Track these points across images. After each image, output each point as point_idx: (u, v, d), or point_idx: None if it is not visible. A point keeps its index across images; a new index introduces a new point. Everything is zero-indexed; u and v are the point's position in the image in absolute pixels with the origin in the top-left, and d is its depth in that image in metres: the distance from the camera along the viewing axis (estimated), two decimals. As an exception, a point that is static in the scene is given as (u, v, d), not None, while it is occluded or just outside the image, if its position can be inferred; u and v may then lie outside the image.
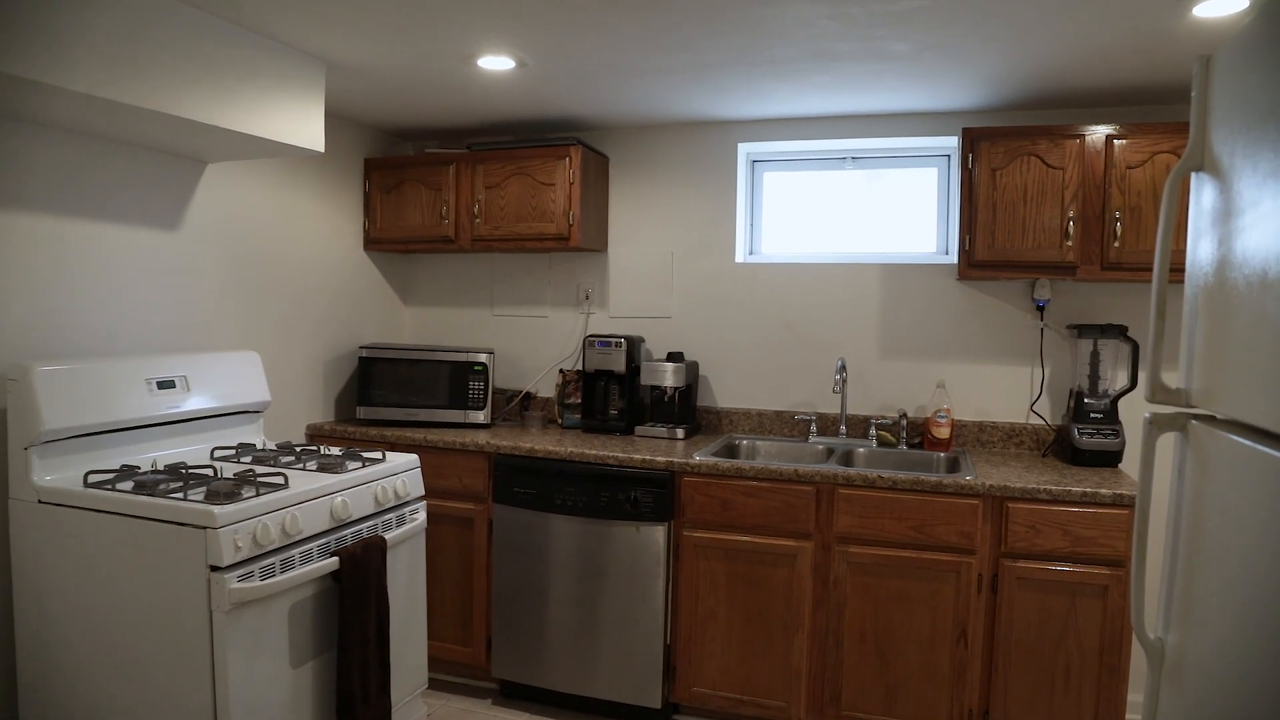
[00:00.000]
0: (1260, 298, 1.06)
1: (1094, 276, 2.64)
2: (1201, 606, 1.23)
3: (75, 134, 2.26)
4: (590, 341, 3.24)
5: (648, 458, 2.74)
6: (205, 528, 1.82)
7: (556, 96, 2.95)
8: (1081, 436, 2.68)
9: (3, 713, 2.10)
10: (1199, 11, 1.98)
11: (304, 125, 2.50)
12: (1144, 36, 2.17)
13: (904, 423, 3.02)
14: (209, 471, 2.20)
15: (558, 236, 3.17)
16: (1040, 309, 2.95)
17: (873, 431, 3.07)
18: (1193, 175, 1.36)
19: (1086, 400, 2.74)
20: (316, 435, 3.21)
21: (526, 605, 2.89)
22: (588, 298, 3.54)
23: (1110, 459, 2.67)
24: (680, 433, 3.14)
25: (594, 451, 2.82)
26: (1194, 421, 1.32)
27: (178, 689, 1.87)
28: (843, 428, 3.12)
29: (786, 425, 3.27)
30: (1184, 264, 1.42)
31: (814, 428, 3.16)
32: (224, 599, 1.82)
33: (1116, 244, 2.60)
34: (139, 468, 2.16)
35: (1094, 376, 2.77)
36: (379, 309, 3.65)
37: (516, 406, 3.60)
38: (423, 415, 3.25)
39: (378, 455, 2.51)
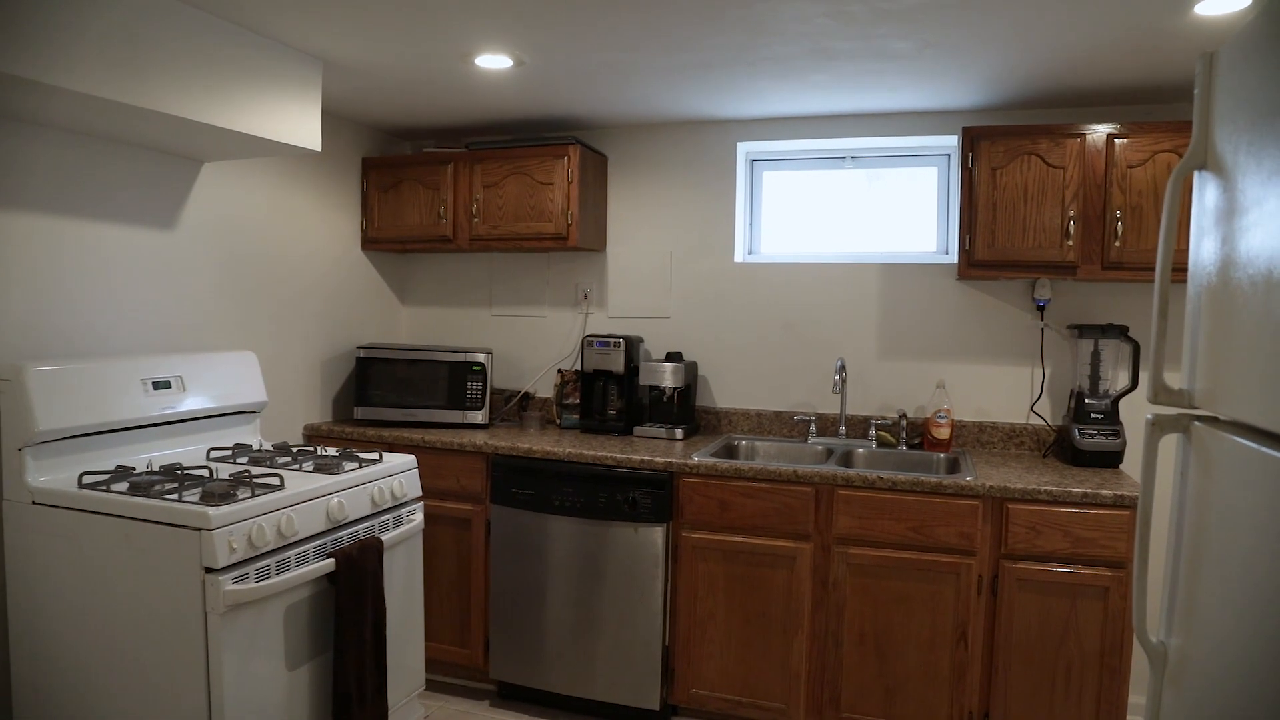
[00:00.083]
0: (1265, 297, 1.04)
1: (1095, 276, 2.63)
2: (1204, 610, 1.22)
3: (72, 133, 2.25)
4: (589, 341, 3.23)
5: (646, 458, 2.72)
6: (200, 529, 1.81)
7: (555, 95, 2.94)
8: (1082, 437, 2.67)
9: (-3, 715, 2.09)
10: (1200, 9, 1.97)
11: (301, 124, 2.49)
12: (1145, 35, 2.16)
13: (904, 423, 3.01)
14: (204, 472, 2.19)
15: (556, 236, 3.16)
16: (1041, 309, 2.94)
17: (872, 432, 3.06)
18: (1195, 174, 1.35)
19: (1087, 400, 2.73)
20: (314, 436, 3.20)
21: (524, 606, 2.87)
22: (586, 298, 3.53)
23: (1111, 460, 2.66)
24: (679, 433, 3.13)
25: (592, 452, 2.80)
26: (1197, 423, 1.31)
27: (173, 691, 1.86)
28: (842, 428, 3.11)
29: (786, 426, 3.26)
30: (1186, 263, 1.41)
31: (813, 428, 3.15)
32: (219, 601, 1.81)
33: (1117, 243, 2.58)
34: (134, 469, 2.15)
35: (1095, 377, 2.76)
36: (377, 309, 3.64)
37: (515, 407, 3.59)
38: (421, 416, 3.23)
39: (374, 456, 2.49)
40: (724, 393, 3.36)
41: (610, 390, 3.24)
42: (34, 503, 1.99)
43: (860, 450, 2.98)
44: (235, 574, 1.85)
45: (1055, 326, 2.96)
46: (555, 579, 2.83)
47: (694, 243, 3.38)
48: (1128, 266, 2.59)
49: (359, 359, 3.25)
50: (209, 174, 2.73)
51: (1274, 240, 1.03)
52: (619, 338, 3.19)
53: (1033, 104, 2.88)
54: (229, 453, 2.47)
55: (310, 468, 2.34)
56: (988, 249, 2.71)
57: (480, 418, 3.23)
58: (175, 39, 2.07)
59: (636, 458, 2.73)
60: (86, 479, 2.05)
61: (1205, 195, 1.31)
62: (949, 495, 2.44)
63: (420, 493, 2.57)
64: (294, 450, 2.54)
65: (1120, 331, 2.71)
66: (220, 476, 2.16)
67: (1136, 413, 2.84)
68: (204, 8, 2.12)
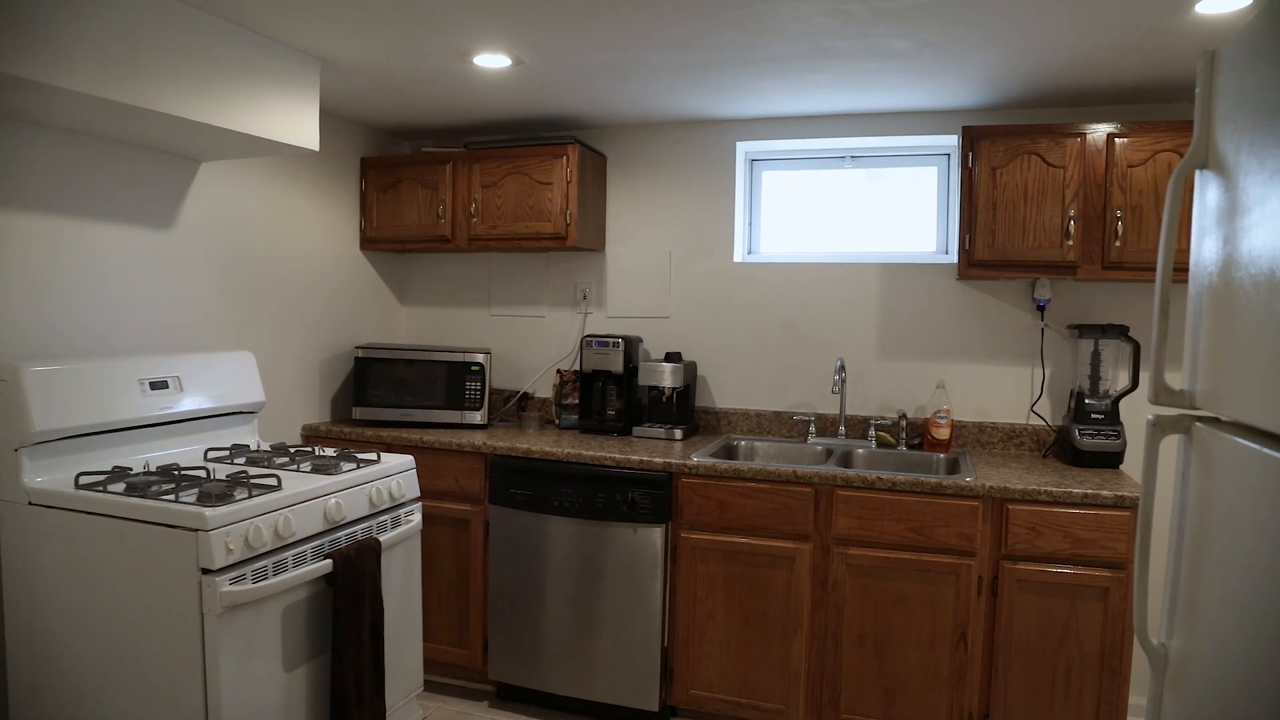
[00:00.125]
0: (1268, 297, 1.04)
1: (1095, 276, 2.63)
2: (1206, 612, 1.21)
3: (70, 133, 2.24)
4: (588, 341, 3.22)
5: (645, 459, 2.72)
6: (196, 530, 1.80)
7: (553, 95, 2.93)
8: (1082, 437, 2.67)
9: (-7, 717, 2.09)
10: (1201, 8, 1.96)
11: (299, 124, 2.48)
12: (1146, 33, 2.15)
13: (903, 423, 3.00)
14: (201, 473, 2.18)
15: (555, 236, 3.15)
16: (1041, 309, 2.94)
17: (872, 432, 3.05)
18: (1196, 173, 1.34)
19: (1087, 401, 2.72)
20: (312, 436, 3.19)
21: (523, 607, 2.87)
22: (585, 297, 3.52)
23: (1111, 460, 2.65)
24: (678, 433, 3.12)
25: (591, 452, 2.80)
26: (1198, 424, 1.30)
27: (170, 692, 1.85)
28: (842, 428, 3.10)
29: (785, 426, 3.25)
30: (1187, 263, 1.40)
31: (813, 428, 3.14)
32: (215, 602, 1.80)
33: (1118, 243, 2.58)
34: (131, 469, 2.14)
35: (1095, 377, 2.75)
36: (375, 309, 3.63)
37: (513, 407, 3.58)
38: (419, 416, 3.22)
39: (372, 457, 2.49)
40: (723, 393, 3.35)
41: (609, 390, 3.23)
42: (30, 503, 1.99)
43: (860, 451, 2.97)
44: (232, 575, 1.84)
45: (1055, 326, 2.95)
46: (554, 580, 2.82)
47: (693, 242, 3.37)
48: (1128, 266, 2.58)
49: (357, 359, 3.24)
50: (207, 174, 2.72)
51: (1276, 240, 1.03)
52: (618, 338, 3.18)
53: (1033, 103, 2.88)
54: (226, 453, 2.46)
55: (308, 468, 2.33)
56: (988, 249, 2.70)
57: (479, 418, 3.22)
58: (173, 39, 2.07)
59: (635, 458, 2.73)
60: (83, 479, 2.04)
61: (1206, 195, 1.30)
62: (949, 496, 2.44)
63: (418, 493, 2.56)
64: (292, 451, 2.53)
65: (1120, 331, 2.70)
66: (217, 477, 2.15)
67: (1137, 413, 2.83)
68: (202, 7, 2.11)
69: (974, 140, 2.70)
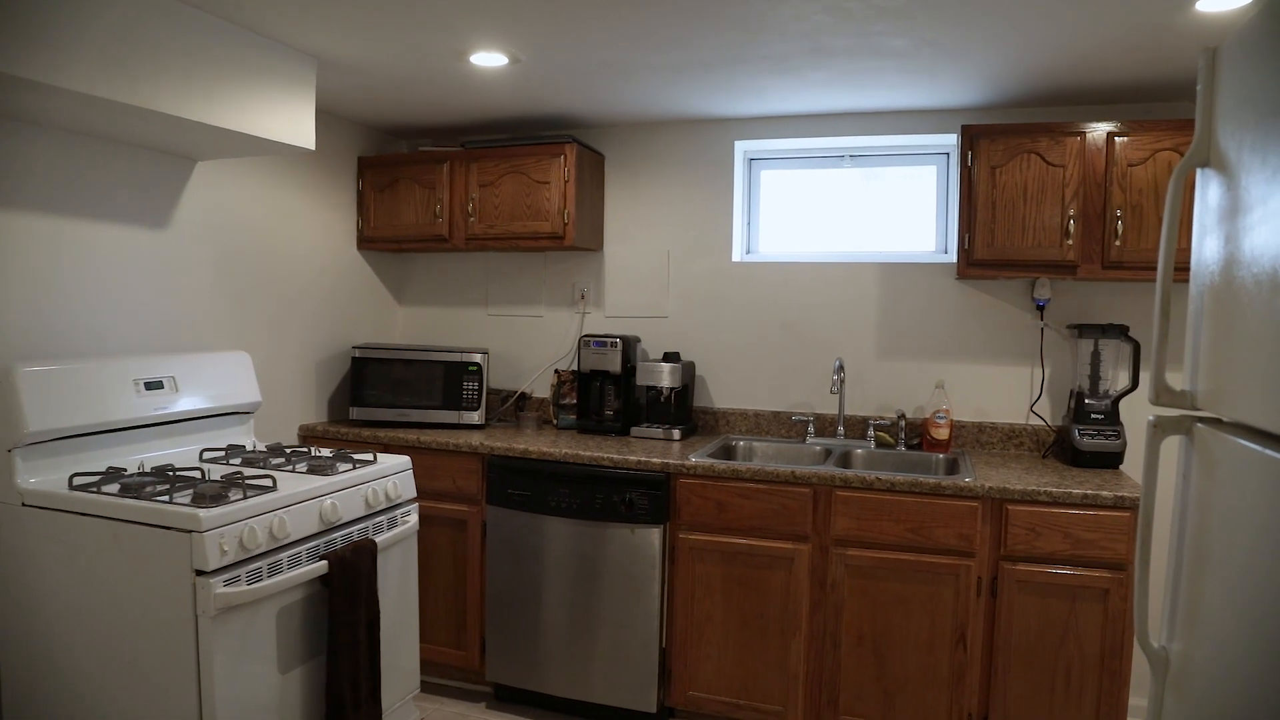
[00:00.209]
0: (1270, 297, 1.03)
1: (1095, 275, 2.61)
2: (1207, 614, 1.20)
3: (68, 132, 2.23)
4: (586, 341, 3.21)
5: (643, 459, 2.70)
6: (190, 531, 1.79)
7: (551, 94, 2.92)
8: (1082, 438, 2.65)
9: (-14, 719, 2.08)
10: (1202, 6, 1.95)
11: (295, 123, 2.47)
12: (1146, 31, 2.14)
13: (902, 423, 2.99)
14: (196, 474, 2.17)
15: (553, 235, 3.14)
16: (1040, 308, 2.92)
17: (871, 432, 3.04)
18: (1197, 171, 1.33)
19: (1087, 401, 2.71)
20: (309, 436, 3.18)
21: (521, 608, 2.85)
22: (583, 297, 3.51)
23: (1111, 460, 2.64)
24: (676, 434, 3.11)
25: (589, 453, 2.78)
26: (1199, 425, 1.29)
27: (164, 694, 1.84)
28: (840, 428, 3.09)
29: (784, 426, 3.24)
30: (1188, 263, 1.39)
31: (811, 428, 3.13)
32: (209, 603, 1.79)
33: (1118, 243, 2.57)
34: (125, 470, 2.13)
35: (1095, 377, 2.74)
36: (372, 308, 3.62)
37: (511, 407, 3.57)
38: (416, 416, 3.21)
39: (368, 457, 2.48)
40: (722, 393, 3.34)
41: (607, 390, 3.22)
42: (24, 504, 1.97)
43: (859, 451, 2.96)
44: (226, 576, 1.83)
45: (1055, 326, 2.94)
46: (552, 580, 2.81)
47: (692, 242, 3.36)
48: (1128, 266, 2.57)
49: (354, 359, 3.23)
50: (203, 173, 2.71)
51: (1278, 239, 1.01)
52: (616, 337, 3.17)
53: (1032, 102, 2.87)
54: (222, 454, 2.45)
55: (304, 469, 2.32)
56: (987, 248, 2.69)
57: (476, 418, 3.21)
58: (171, 37, 2.06)
59: (633, 458, 2.71)
60: (77, 480, 2.03)
61: (1208, 193, 1.29)
62: (948, 496, 2.43)
63: (415, 494, 2.55)
64: (288, 451, 2.52)
65: (1120, 331, 2.69)
66: (212, 478, 2.14)
67: (1137, 413, 2.82)
68: (200, 6, 2.10)
69: (973, 139, 2.69)
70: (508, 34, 2.29)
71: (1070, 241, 2.60)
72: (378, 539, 2.26)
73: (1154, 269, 2.54)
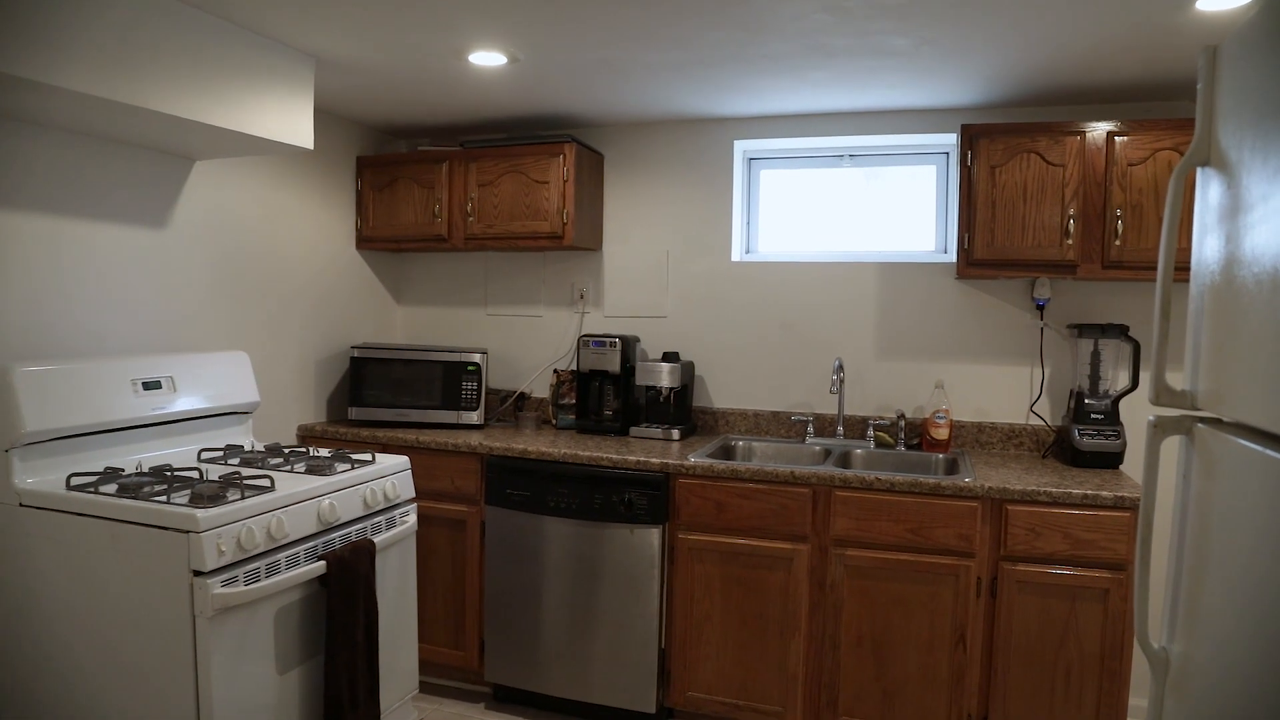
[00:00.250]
0: (1271, 297, 1.02)
1: (1095, 275, 2.61)
2: (1207, 615, 1.19)
3: (67, 132, 2.23)
4: (585, 341, 3.20)
5: (642, 459, 2.70)
6: (188, 532, 1.79)
7: (550, 93, 2.91)
8: (1082, 438, 2.65)
9: (-16, 719, 2.07)
10: (1202, 4, 1.95)
11: (293, 122, 2.47)
12: (1146, 30, 2.14)
13: (902, 423, 2.98)
14: (194, 474, 2.17)
15: (552, 235, 3.13)
16: (1040, 308, 2.92)
17: (870, 432, 3.04)
18: (1198, 171, 1.33)
19: (1087, 401, 2.71)
20: (307, 436, 3.18)
21: (520, 608, 2.85)
22: (582, 297, 3.51)
23: (1111, 460, 2.64)
24: (675, 434, 3.10)
25: (588, 453, 2.78)
26: (1200, 425, 1.28)
27: (162, 695, 1.84)
28: (840, 429, 3.08)
29: (783, 426, 3.23)
30: (1188, 262, 1.38)
31: (811, 429, 3.12)
32: (207, 604, 1.78)
33: (1118, 242, 2.56)
34: (123, 470, 2.12)
35: (1095, 377, 2.74)
36: (371, 308, 3.61)
37: (510, 407, 3.57)
38: (415, 416, 3.21)
39: (367, 457, 2.47)
40: (721, 393, 3.34)
41: (606, 390, 3.21)
42: (21, 505, 1.97)
43: (858, 451, 2.95)
44: (224, 577, 1.82)
45: (1055, 326, 2.94)
46: (551, 581, 2.81)
47: (691, 242, 3.35)
48: (1128, 265, 2.57)
49: (353, 359, 3.22)
50: (201, 172, 2.70)
51: (1279, 238, 1.01)
52: (615, 337, 3.17)
53: (1032, 101, 2.86)
54: (220, 454, 2.45)
55: (302, 469, 2.31)
56: (987, 248, 2.69)
57: (475, 418, 3.21)
58: (170, 37, 2.06)
59: (633, 458, 2.71)
60: (75, 480, 2.02)
61: (1208, 192, 1.28)
62: (947, 496, 2.42)
63: (413, 494, 2.54)
64: (286, 451, 2.52)
65: (1120, 331, 2.69)
66: (210, 478, 2.13)
67: (1137, 413, 2.81)
68: (199, 6, 2.10)
69: (973, 139, 2.69)
70: (506, 33, 2.29)
71: (1070, 241, 2.60)
72: (376, 539, 2.26)
73: (1154, 269, 2.53)
